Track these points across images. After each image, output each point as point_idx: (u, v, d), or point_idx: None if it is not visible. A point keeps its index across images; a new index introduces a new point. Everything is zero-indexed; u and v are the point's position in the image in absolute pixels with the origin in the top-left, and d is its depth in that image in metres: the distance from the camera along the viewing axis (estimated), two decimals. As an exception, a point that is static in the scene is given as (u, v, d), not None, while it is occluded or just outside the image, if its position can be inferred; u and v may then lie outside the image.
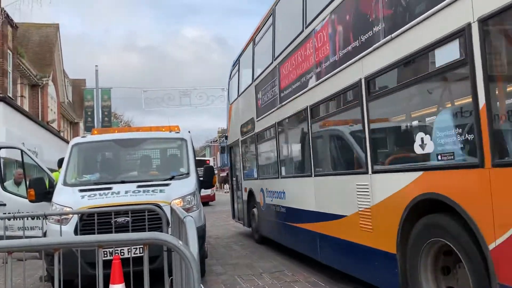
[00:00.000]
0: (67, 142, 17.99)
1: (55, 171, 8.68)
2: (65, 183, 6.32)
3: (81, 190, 5.98)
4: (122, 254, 5.17)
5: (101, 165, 7.35)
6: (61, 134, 25.39)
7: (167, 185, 6.15)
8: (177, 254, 1.96)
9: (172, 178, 6.50)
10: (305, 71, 6.14)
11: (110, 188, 5.96)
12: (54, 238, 3.22)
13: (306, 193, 6.22)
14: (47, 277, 5.49)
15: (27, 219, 5.82)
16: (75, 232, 5.31)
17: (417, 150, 3.74)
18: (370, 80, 4.41)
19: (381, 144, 4.70)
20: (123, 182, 6.26)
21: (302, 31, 6.19)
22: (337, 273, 5.76)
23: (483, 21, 2.95)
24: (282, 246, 7.74)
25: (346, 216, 4.96)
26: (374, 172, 4.37)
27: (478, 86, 3.01)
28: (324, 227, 5.62)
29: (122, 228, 5.30)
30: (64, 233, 5.08)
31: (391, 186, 4.07)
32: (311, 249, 6.19)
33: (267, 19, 8.04)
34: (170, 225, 4.68)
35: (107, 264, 4.13)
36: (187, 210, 5.66)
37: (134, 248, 5.10)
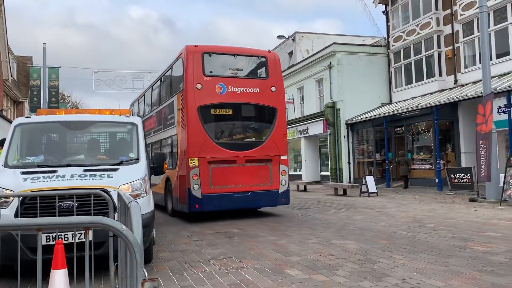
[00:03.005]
0: (10, 121, 17.11)
1: (-4, 152, 8.24)
2: (6, 165, 6.05)
3: (23, 173, 5.74)
4: (66, 239, 5.04)
5: (46, 147, 7.06)
6: (4, 113, 24.06)
7: (115, 170, 6.03)
8: (121, 239, 1.95)
9: (121, 163, 6.37)
10: (149, 128, 14.66)
11: (55, 171, 5.76)
12: (-9, 221, 3.10)
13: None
14: (-16, 262, 5.26)
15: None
16: (16, 216, 5.10)
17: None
18: (161, 140, 13.47)
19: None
20: (69, 165, 6.08)
21: (150, 111, 15.17)
22: (282, 261, 6.08)
23: (175, 135, 11.79)
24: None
25: (157, 184, 13.12)
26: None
27: (178, 150, 11.52)
28: (156, 188, 13.09)
29: (66, 213, 5.16)
30: (4, 217, 4.88)
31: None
32: (158, 201, 13.10)
33: (143, 95, 16.68)
34: (117, 211, 4.61)
35: (50, 249, 4.04)
36: (136, 196, 5.61)
37: (78, 233, 4.98)
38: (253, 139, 11.47)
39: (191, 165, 10.39)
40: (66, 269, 3.77)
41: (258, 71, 11.90)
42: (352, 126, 24.45)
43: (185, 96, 10.69)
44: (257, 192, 10.81)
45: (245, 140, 11.49)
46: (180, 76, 11.18)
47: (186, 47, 10.94)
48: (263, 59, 11.60)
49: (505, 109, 14.98)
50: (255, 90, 11.16)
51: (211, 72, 10.94)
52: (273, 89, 11.32)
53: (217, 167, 10.50)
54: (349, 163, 24.50)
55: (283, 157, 11.22)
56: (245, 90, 11.07)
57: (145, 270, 1.95)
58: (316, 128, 25.89)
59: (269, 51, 11.91)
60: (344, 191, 17.97)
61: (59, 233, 5.03)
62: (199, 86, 10.61)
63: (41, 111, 7.70)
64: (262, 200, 11.00)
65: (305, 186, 21.35)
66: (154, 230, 6.54)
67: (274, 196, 11.03)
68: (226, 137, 11.29)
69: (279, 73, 11.60)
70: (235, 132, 11.54)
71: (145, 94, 16.32)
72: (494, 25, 17.76)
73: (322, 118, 25.11)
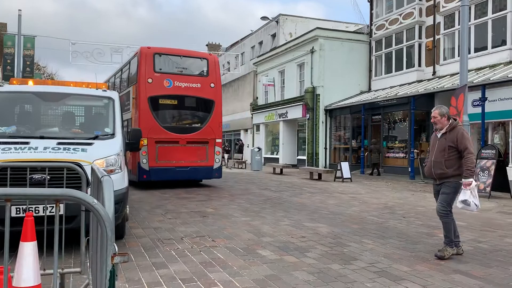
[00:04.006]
0: (-18, 90, 16.52)
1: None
2: (-25, 134, 5.87)
3: (-7, 143, 5.59)
4: (36, 212, 4.97)
5: (19, 118, 6.87)
6: (-25, 81, 23.26)
7: (89, 144, 5.93)
8: (93, 213, 1.94)
9: (96, 137, 6.28)
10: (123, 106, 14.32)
11: (27, 143, 5.63)
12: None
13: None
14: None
15: None
16: (-15, 187, 4.99)
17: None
18: (128, 120, 14.04)
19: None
20: (42, 137, 5.94)
21: (122, 91, 15.39)
22: (254, 241, 6.16)
23: (130, 119, 14.48)
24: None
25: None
26: None
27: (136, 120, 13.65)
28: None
29: (38, 186, 5.06)
30: (-28, 187, 4.76)
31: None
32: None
33: (108, 81, 18.18)
34: (90, 186, 4.56)
35: (20, 221, 3.97)
36: (110, 172, 5.54)
37: (50, 206, 4.92)
38: (194, 125, 13.96)
39: (141, 143, 12.81)
40: (36, 242, 3.73)
41: (200, 70, 14.29)
42: (330, 112, 24.63)
43: (138, 88, 13.19)
44: (195, 167, 13.46)
45: (187, 125, 14.01)
46: (135, 71, 13.63)
47: (141, 48, 13.49)
48: (205, 60, 14.17)
49: (480, 103, 15.33)
50: (197, 85, 13.68)
51: (160, 69, 13.41)
52: (212, 85, 13.85)
53: (162, 146, 13.04)
54: (325, 148, 24.76)
55: (218, 140, 13.86)
56: (189, 85, 13.57)
57: (115, 245, 1.95)
58: (295, 112, 25.98)
59: (210, 54, 14.84)
60: (319, 175, 18.20)
61: (29, 206, 4.95)
62: (150, 80, 13.08)
63: (14, 80, 7.48)
64: (199, 173, 13.74)
65: (281, 169, 21.52)
66: (127, 206, 6.51)
67: (209, 171, 13.75)
68: (171, 122, 13.74)
69: (218, 72, 14.21)
70: (179, 119, 14.08)
71: (109, 80, 18.68)
72: (475, 19, 18.01)
73: (301, 103, 25.20)
